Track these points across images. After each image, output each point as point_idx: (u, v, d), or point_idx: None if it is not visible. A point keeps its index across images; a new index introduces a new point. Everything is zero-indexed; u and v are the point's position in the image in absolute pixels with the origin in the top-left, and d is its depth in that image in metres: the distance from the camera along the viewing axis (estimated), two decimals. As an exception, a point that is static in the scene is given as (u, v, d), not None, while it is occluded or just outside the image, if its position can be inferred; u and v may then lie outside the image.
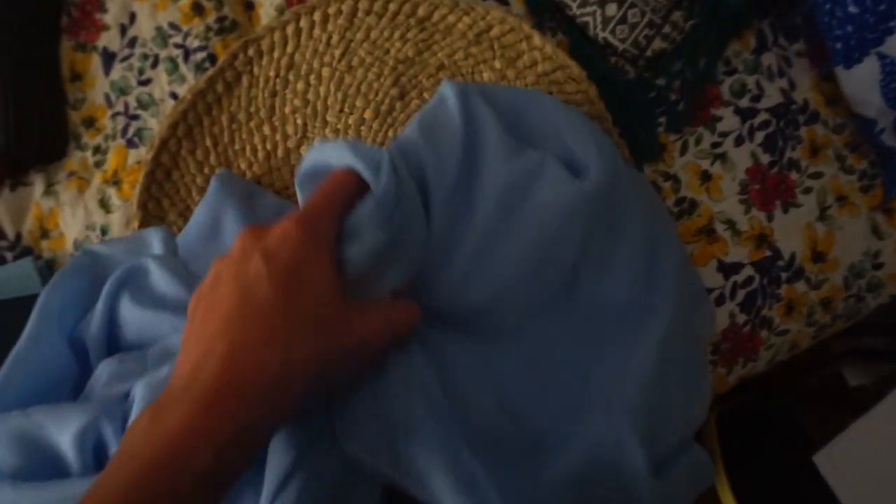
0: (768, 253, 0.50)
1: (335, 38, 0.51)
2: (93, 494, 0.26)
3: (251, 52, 0.50)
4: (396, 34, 0.51)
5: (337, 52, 0.51)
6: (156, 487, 0.26)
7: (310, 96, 0.50)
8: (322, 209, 0.32)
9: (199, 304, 0.31)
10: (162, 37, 0.52)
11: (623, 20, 0.51)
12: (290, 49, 0.50)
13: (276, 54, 0.50)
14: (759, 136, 0.51)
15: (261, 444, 0.29)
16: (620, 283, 0.40)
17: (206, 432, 0.26)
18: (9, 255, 0.49)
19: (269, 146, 0.50)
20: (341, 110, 0.50)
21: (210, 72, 0.50)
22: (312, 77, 0.50)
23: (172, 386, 0.28)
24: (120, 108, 0.51)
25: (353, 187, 0.33)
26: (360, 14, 0.51)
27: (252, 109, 0.50)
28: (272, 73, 0.50)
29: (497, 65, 0.51)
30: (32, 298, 0.47)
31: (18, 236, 0.50)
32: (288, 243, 0.30)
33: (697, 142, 0.52)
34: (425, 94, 0.51)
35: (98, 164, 0.51)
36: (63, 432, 0.35)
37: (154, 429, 0.27)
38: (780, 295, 0.50)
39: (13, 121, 0.49)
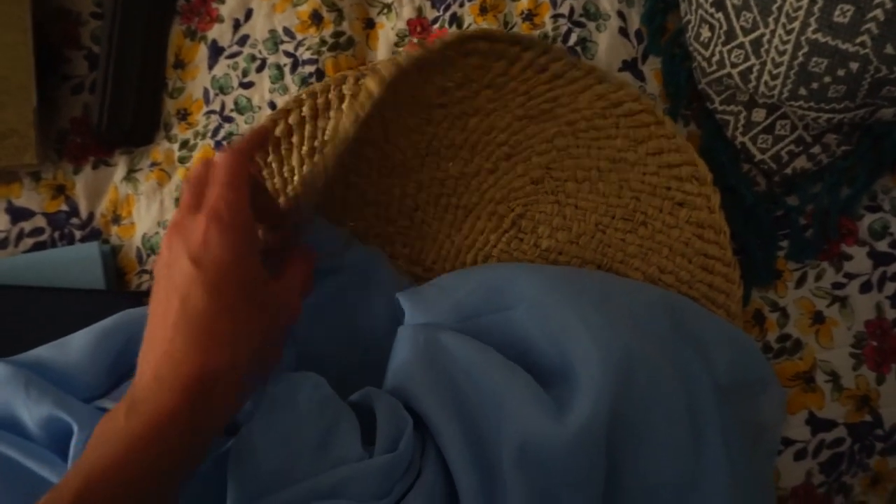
0: (868, 418, 0.45)
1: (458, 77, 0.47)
2: (70, 483, 0.27)
3: (360, 82, 0.47)
4: (522, 87, 0.47)
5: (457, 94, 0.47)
6: (138, 468, 0.27)
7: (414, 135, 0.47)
8: (232, 200, 0.32)
9: (152, 302, 0.32)
10: (274, 41, 0.49)
11: (769, 129, 0.46)
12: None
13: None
14: (891, 287, 0.46)
15: (217, 434, 0.31)
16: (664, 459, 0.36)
17: (179, 421, 0.28)
18: (78, 234, 0.48)
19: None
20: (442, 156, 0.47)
21: (310, 87, 0.47)
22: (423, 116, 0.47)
23: (140, 380, 0.30)
24: (216, 106, 0.49)
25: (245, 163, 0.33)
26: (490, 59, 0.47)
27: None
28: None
29: (618, 143, 0.46)
30: (91, 294, 0.45)
31: (91, 216, 0.48)
32: (211, 247, 0.30)
33: (818, 277, 0.46)
34: (533, 158, 0.47)
35: (182, 160, 0.48)
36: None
37: (130, 423, 0.28)
38: (868, 465, 0.45)
39: (110, 97, 0.48)
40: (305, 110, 0.47)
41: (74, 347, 0.37)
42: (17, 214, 0.48)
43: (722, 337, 0.42)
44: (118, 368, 0.38)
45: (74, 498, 0.26)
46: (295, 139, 0.46)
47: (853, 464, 0.45)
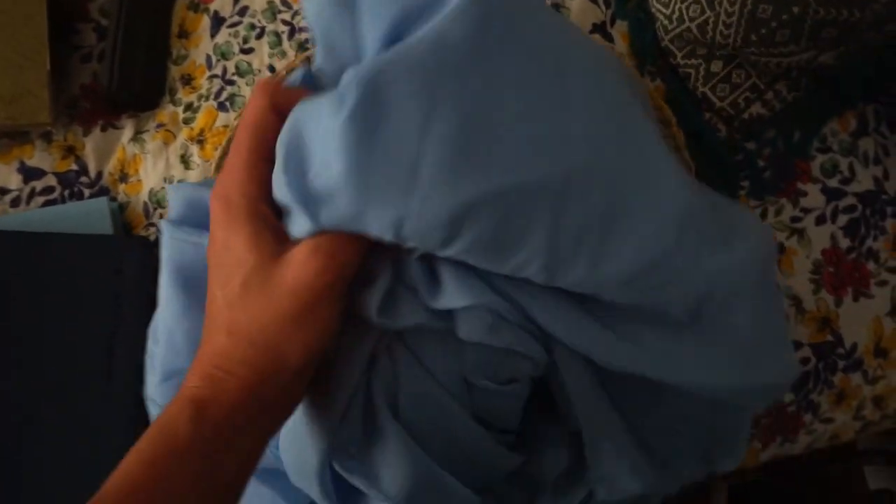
0: (830, 338, 0.49)
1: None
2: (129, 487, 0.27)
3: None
4: None
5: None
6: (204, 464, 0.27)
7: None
8: (234, 168, 0.30)
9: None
10: (272, 11, 0.53)
11: (726, 79, 0.50)
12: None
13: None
14: (843, 219, 0.50)
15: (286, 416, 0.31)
16: None
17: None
18: (87, 192, 0.51)
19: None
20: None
21: (309, 52, 0.51)
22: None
23: (213, 356, 0.29)
24: (218, 71, 0.52)
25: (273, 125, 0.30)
26: None
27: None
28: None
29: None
30: (102, 238, 0.48)
31: (99, 175, 0.51)
32: (216, 224, 0.30)
33: (778, 213, 0.51)
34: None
35: (187, 121, 0.52)
36: None
37: (200, 423, 0.28)
38: (832, 382, 0.49)
39: (119, 64, 0.51)
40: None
41: None
42: (29, 174, 0.50)
43: None
44: None
45: None
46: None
47: (819, 381, 0.49)
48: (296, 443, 0.35)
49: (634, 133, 0.33)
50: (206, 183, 0.47)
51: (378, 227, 0.28)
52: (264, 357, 0.29)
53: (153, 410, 0.41)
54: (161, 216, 0.50)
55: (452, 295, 0.32)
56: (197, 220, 0.39)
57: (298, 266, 0.28)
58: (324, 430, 0.33)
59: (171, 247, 0.40)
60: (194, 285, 0.39)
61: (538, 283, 0.31)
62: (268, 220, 0.29)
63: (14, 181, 0.50)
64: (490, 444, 0.35)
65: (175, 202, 0.40)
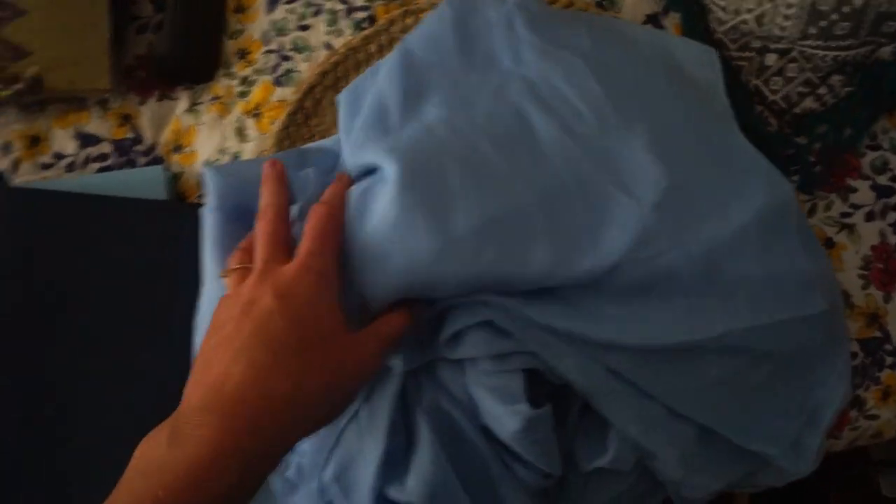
0: (878, 334, 0.49)
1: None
2: None
3: (409, 21, 0.51)
4: None
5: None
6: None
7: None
8: (326, 250, 0.35)
9: (208, 341, 0.33)
10: (329, -10, 0.53)
11: (780, 72, 0.51)
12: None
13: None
14: (893, 216, 0.50)
15: (273, 467, 0.31)
16: None
17: (232, 451, 0.28)
18: (141, 160, 0.51)
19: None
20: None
21: (367, 31, 0.51)
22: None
23: (187, 408, 0.30)
24: (274, 46, 0.53)
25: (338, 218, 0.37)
26: None
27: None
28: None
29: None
30: (157, 203, 0.48)
31: (154, 145, 0.51)
32: (300, 285, 0.32)
33: (827, 208, 0.51)
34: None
35: (242, 95, 0.52)
36: None
37: (174, 452, 0.28)
38: (879, 378, 0.49)
39: (175, 36, 0.51)
40: (361, 56, 0.51)
41: None
42: (86, 140, 0.51)
43: None
44: None
45: None
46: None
47: (866, 377, 0.49)
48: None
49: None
50: (241, 164, 0.48)
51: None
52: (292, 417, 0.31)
53: None
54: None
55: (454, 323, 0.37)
56: (236, 204, 0.41)
57: (366, 352, 0.34)
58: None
59: (214, 232, 0.41)
60: None
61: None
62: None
63: (70, 147, 0.51)
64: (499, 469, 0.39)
65: (215, 186, 0.41)
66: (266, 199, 0.38)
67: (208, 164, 0.51)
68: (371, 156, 0.39)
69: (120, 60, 0.52)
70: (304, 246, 0.34)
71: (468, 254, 0.35)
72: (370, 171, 0.40)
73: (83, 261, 0.46)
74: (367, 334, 0.34)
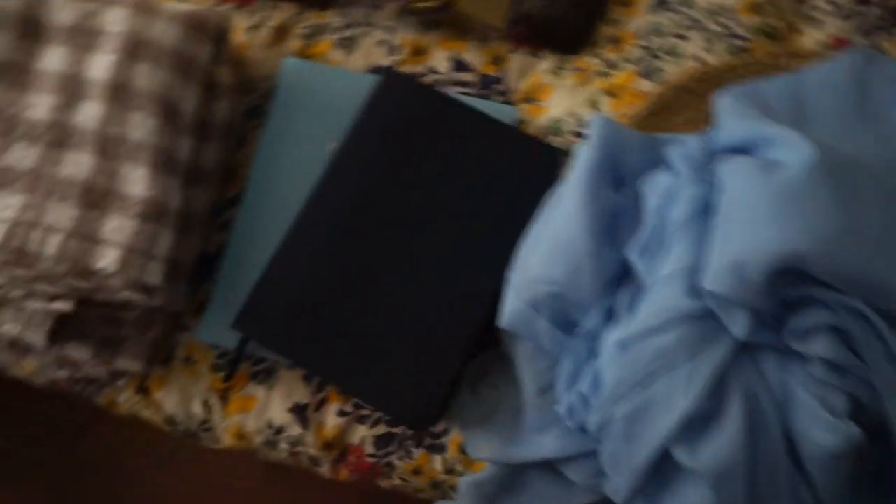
0: None
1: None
2: None
3: (792, 63, 0.52)
4: None
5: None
6: None
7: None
8: None
9: None
10: (712, 13, 0.56)
11: None
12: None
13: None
14: None
15: None
16: None
17: None
18: (497, 98, 0.55)
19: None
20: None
21: (746, 59, 0.53)
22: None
23: None
24: (646, 43, 0.56)
25: None
26: None
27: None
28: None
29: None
30: (523, 135, 0.52)
31: (510, 90, 0.56)
32: None
33: None
34: None
35: (603, 74, 0.55)
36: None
37: None
38: None
39: (560, 11, 0.56)
40: (729, 76, 0.53)
41: None
42: (458, 65, 0.56)
43: None
44: None
45: None
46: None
47: None
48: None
49: None
50: (624, 126, 0.50)
51: None
52: None
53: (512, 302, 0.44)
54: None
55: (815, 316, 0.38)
56: (610, 154, 0.44)
57: None
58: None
59: (588, 165, 0.43)
60: (609, 231, 0.43)
61: None
62: None
63: (443, 66, 0.56)
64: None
65: (602, 131, 0.44)
66: None
67: (553, 120, 0.54)
68: (778, 131, 0.40)
69: (514, 10, 0.57)
70: None
71: (870, 246, 0.35)
72: (742, 151, 0.42)
73: (445, 158, 0.50)
74: None
